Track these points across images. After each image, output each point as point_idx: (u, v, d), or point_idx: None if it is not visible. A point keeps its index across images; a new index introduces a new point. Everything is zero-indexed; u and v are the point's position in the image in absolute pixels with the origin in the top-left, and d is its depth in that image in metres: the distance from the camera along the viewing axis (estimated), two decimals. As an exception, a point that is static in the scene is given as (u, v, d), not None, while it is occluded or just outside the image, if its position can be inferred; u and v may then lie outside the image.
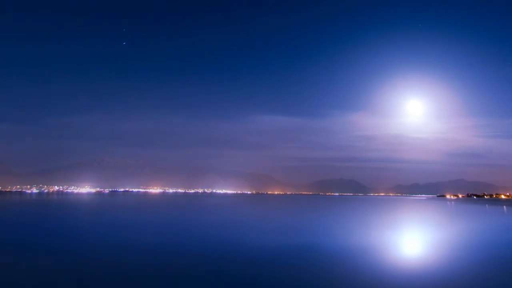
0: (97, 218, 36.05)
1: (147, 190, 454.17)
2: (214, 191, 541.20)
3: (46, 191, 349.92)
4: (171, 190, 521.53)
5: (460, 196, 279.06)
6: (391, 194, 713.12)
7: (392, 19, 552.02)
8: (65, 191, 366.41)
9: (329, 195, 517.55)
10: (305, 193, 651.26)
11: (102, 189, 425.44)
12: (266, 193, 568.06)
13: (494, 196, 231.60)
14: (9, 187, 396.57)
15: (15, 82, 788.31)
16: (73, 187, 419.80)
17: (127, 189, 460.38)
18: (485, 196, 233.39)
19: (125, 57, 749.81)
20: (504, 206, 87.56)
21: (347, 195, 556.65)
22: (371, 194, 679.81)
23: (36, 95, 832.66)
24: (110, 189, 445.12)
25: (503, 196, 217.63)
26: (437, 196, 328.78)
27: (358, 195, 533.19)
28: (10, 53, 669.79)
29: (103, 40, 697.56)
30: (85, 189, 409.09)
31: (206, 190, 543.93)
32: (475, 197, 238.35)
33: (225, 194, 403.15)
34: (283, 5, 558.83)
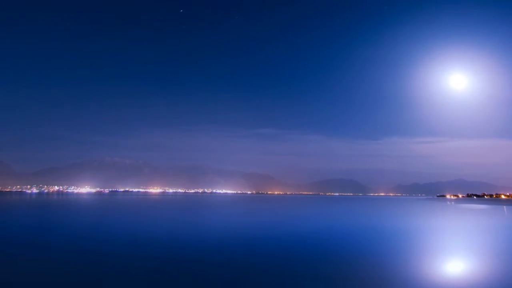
0: (109, 219, 36.12)
1: (147, 190, 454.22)
2: (214, 191, 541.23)
3: (46, 191, 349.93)
4: (171, 190, 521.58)
5: (460, 196, 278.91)
6: (391, 194, 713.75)
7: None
8: (65, 191, 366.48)
9: (329, 195, 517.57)
10: (305, 193, 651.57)
11: (102, 189, 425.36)
12: (266, 193, 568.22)
13: (494, 196, 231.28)
14: (9, 187, 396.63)
15: (17, 84, 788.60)
16: (73, 187, 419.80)
17: (127, 189, 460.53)
18: (485, 196, 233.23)
19: (123, 60, 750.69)
20: (504, 207, 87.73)
21: (347, 195, 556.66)
22: (371, 194, 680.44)
23: (37, 96, 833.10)
24: (110, 189, 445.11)
25: (503, 196, 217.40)
26: (437, 196, 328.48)
27: (358, 195, 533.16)
28: (12, 55, 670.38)
29: (107, 45, 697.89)
30: (85, 189, 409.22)
31: (206, 190, 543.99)
32: (475, 197, 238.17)
33: (225, 194, 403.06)
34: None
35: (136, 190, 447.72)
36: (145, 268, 12.07)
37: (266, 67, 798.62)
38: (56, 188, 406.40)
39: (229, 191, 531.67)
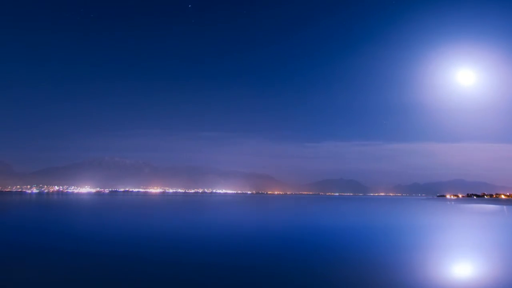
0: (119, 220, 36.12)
1: (147, 190, 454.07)
2: (214, 191, 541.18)
3: (46, 191, 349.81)
4: (171, 190, 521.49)
5: (460, 196, 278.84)
6: (391, 194, 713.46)
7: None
8: (65, 191, 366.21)
9: (329, 195, 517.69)
10: (305, 193, 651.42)
11: (102, 189, 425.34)
12: (266, 193, 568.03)
13: (494, 196, 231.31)
14: (9, 187, 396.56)
15: (17, 83, 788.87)
16: (73, 187, 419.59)
17: (127, 189, 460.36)
18: (485, 196, 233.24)
19: (123, 58, 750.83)
20: (504, 206, 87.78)
21: (347, 195, 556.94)
22: (371, 194, 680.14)
23: (37, 95, 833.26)
24: (110, 189, 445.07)
25: (503, 196, 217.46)
26: (437, 196, 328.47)
27: (358, 195, 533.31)
28: (11, 54, 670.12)
29: (108, 43, 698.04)
30: (85, 189, 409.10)
31: (206, 190, 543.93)
32: (475, 197, 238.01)
33: (225, 194, 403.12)
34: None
35: (136, 190, 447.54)
36: (146, 269, 12.07)
37: (272, 64, 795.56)
38: (56, 188, 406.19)
39: (229, 191, 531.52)
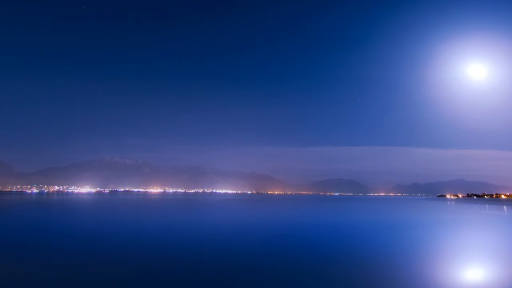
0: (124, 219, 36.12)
1: (147, 190, 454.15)
2: (214, 191, 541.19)
3: (46, 191, 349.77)
4: (171, 190, 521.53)
5: (460, 196, 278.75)
6: (391, 194, 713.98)
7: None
8: (65, 191, 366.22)
9: (329, 195, 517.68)
10: (305, 193, 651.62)
11: (102, 189, 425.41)
12: (266, 193, 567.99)
13: (494, 196, 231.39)
14: (10, 187, 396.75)
15: (17, 83, 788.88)
16: (73, 187, 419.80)
17: (127, 189, 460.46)
18: (485, 196, 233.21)
19: (123, 58, 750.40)
20: (504, 206, 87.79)
21: (347, 195, 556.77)
22: (371, 194, 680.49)
23: (37, 95, 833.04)
24: (110, 189, 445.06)
25: (503, 196, 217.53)
26: (437, 196, 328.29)
27: (358, 195, 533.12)
28: (11, 54, 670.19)
29: (106, 42, 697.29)
30: (85, 189, 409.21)
31: (206, 190, 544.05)
32: (475, 197, 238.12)
33: (225, 194, 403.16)
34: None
35: (136, 190, 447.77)
36: (146, 268, 12.10)
37: (274, 66, 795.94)
38: (56, 188, 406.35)
39: (229, 191, 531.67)
